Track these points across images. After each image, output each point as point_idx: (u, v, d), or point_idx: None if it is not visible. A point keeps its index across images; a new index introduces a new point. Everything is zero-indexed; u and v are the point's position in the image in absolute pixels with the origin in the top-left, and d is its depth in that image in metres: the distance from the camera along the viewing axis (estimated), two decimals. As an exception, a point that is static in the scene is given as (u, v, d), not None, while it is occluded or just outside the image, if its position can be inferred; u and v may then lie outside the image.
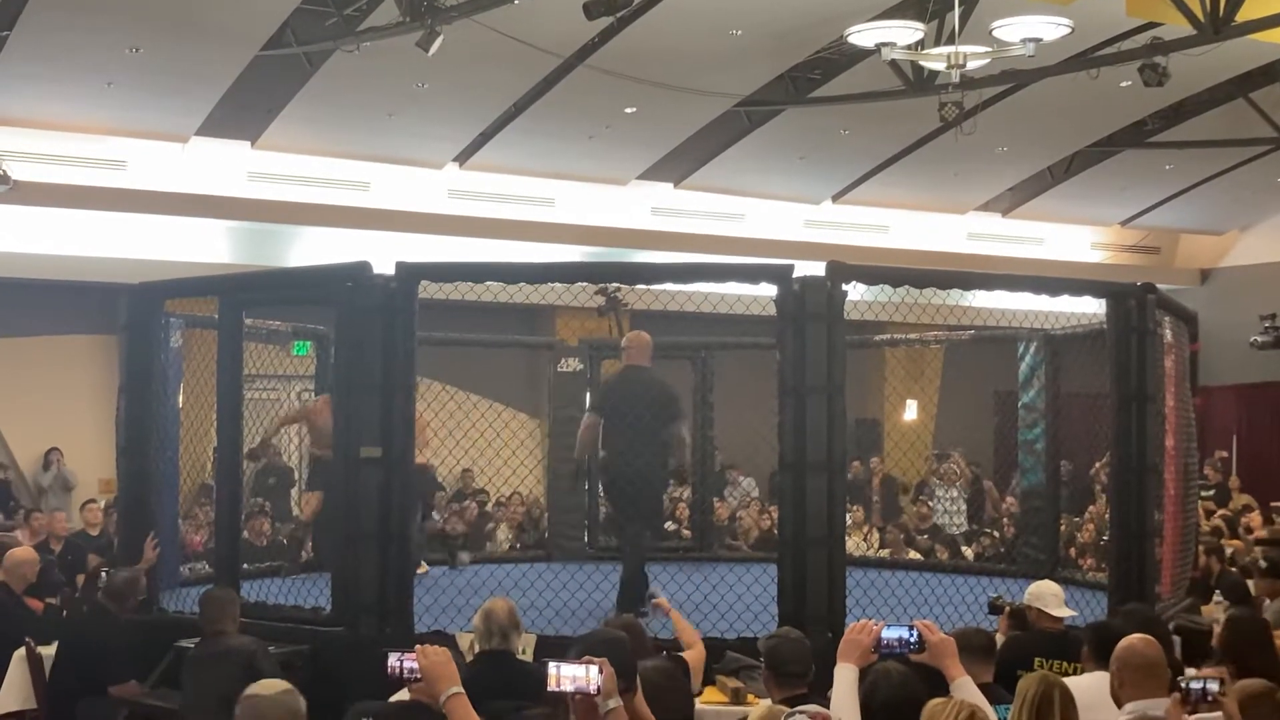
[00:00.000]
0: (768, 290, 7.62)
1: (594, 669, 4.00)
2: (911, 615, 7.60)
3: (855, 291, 7.73)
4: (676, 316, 13.11)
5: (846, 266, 7.56)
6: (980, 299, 16.69)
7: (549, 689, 4.03)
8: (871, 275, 7.85)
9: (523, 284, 8.65)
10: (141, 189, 15.31)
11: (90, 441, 16.20)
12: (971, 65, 11.41)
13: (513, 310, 14.97)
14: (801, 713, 3.90)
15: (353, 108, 15.31)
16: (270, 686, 4.24)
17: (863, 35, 11.00)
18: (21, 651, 8.29)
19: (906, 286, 7.98)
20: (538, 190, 17.66)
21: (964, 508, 15.64)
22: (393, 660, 4.41)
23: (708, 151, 17.60)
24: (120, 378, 9.13)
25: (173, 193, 15.46)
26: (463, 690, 4.14)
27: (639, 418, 8.56)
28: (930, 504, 14.87)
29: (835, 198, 19.26)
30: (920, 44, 11.39)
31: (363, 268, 7.82)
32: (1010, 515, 13.71)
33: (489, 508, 15.26)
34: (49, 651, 8.22)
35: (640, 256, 17.60)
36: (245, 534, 12.59)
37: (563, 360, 12.61)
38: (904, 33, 10.77)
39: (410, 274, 7.72)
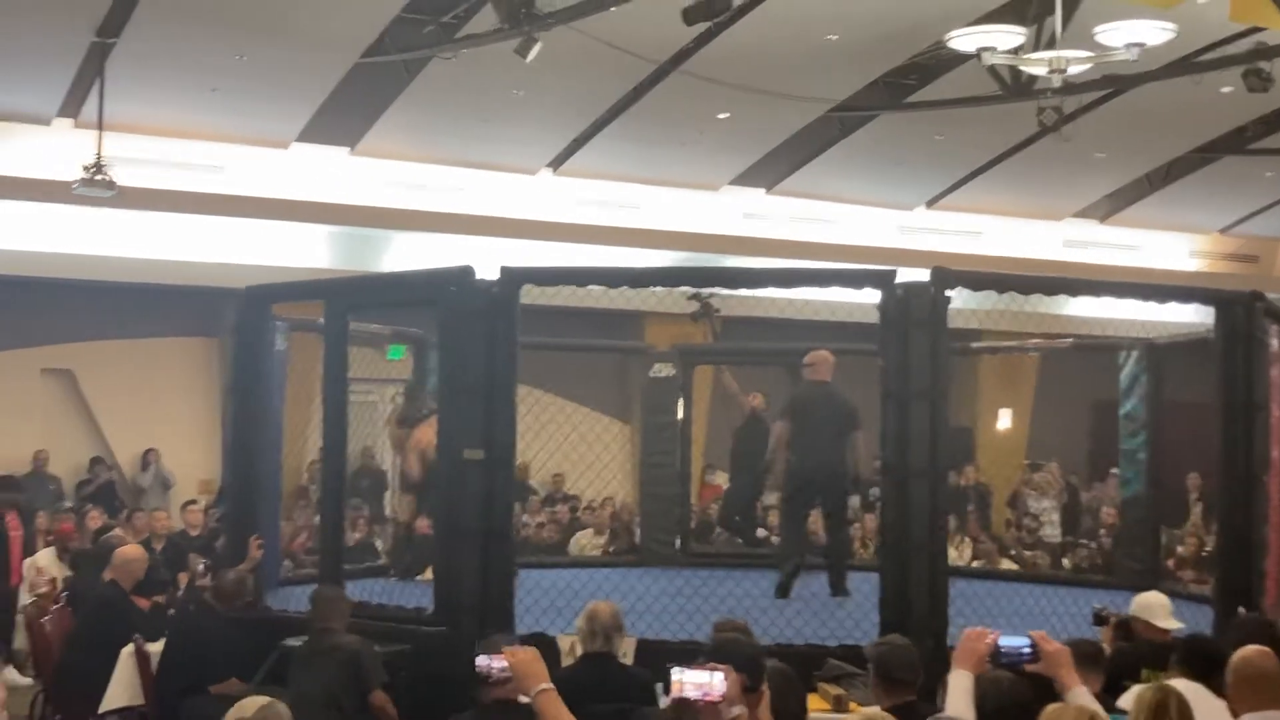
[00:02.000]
0: (864, 297, 7.63)
1: (718, 675, 3.99)
2: (1013, 625, 7.56)
3: (955, 298, 7.69)
4: (768, 323, 13.27)
5: (951, 272, 7.52)
6: (1078, 307, 16.69)
7: (673, 695, 4.02)
8: (976, 280, 7.79)
9: (610, 289, 8.69)
10: (242, 194, 15.54)
11: (188, 443, 16.52)
12: (1072, 70, 11.28)
13: (600, 315, 15.04)
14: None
15: (449, 114, 15.46)
16: (249, 706, 4.23)
17: (964, 40, 10.94)
18: (130, 648, 8.44)
19: (1007, 293, 7.92)
20: (629, 196, 17.72)
21: (1057, 518, 15.47)
22: (482, 661, 4.47)
23: (800, 157, 17.57)
24: (228, 380, 9.27)
25: (273, 198, 15.69)
26: (552, 686, 4.17)
27: (824, 427, 9.61)
28: (1035, 516, 14.70)
29: (929, 203, 19.14)
30: (1020, 48, 11.28)
31: (466, 272, 7.89)
32: (1109, 526, 13.53)
33: (580, 513, 15.34)
34: (156, 649, 8.37)
35: (731, 262, 17.56)
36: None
37: (655, 366, 12.61)
38: (1005, 37, 10.69)
39: (513, 278, 7.78)
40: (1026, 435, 19.50)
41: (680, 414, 12.40)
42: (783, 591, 9.52)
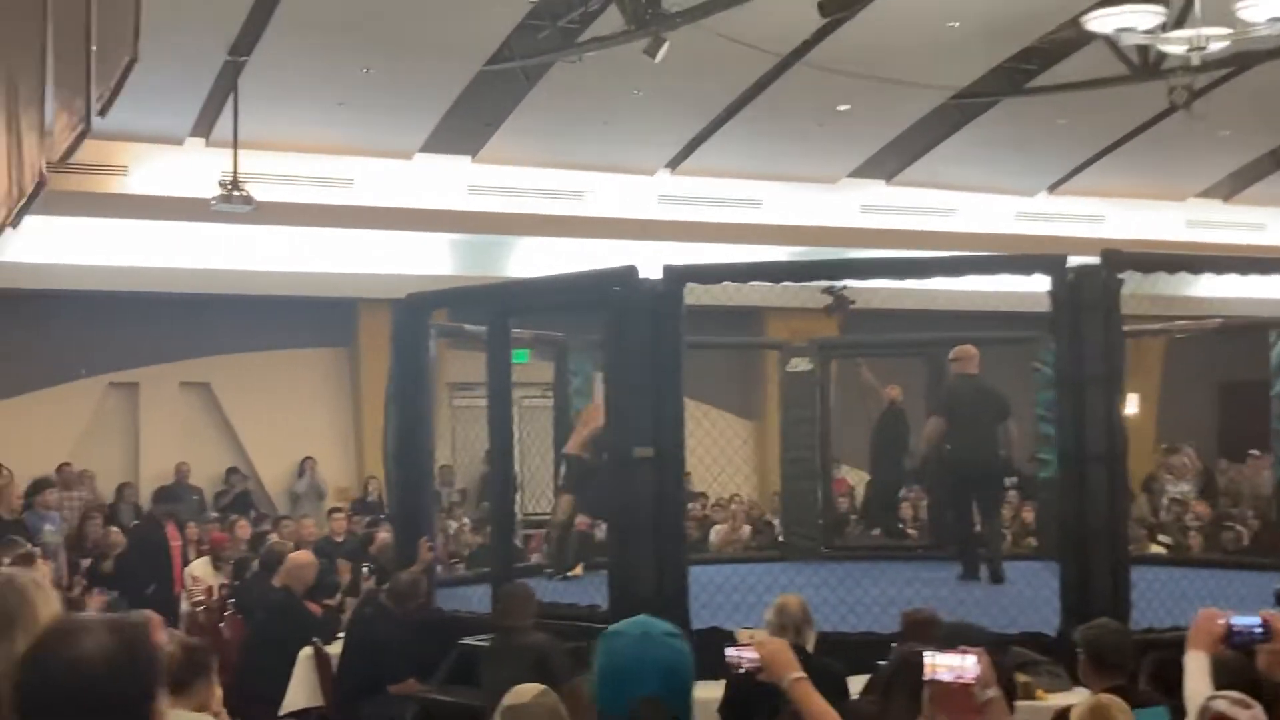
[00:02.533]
0: (999, 284, 7.64)
1: (971, 658, 3.98)
2: (1193, 608, 7.49)
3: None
4: (901, 315, 13.22)
5: (1123, 254, 7.47)
6: (1203, 287, 16.44)
7: (924, 678, 4.02)
8: (1146, 263, 7.71)
9: (736, 286, 8.74)
10: (368, 205, 15.76)
11: (324, 451, 16.79)
12: (1212, 48, 11.13)
13: (720, 313, 15.09)
14: (1223, 697, 3.83)
15: (569, 118, 15.56)
16: (525, 693, 4.29)
17: (1101, 21, 10.82)
18: (309, 650, 8.62)
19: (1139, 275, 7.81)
20: (747, 192, 17.72)
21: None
22: (731, 653, 4.48)
23: (920, 147, 17.48)
24: (389, 386, 9.41)
25: (397, 208, 15.89)
26: (805, 675, 4.18)
27: (979, 419, 9.95)
28: (1180, 500, 14.52)
29: (1051, 189, 18.95)
30: (1160, 28, 11.14)
31: (630, 272, 7.96)
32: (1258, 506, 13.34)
33: (707, 510, 15.36)
34: (333, 651, 8.54)
35: (850, 255, 17.52)
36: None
37: (792, 360, 12.62)
38: (1145, 17, 10.55)
39: (677, 276, 7.85)
40: (1155, 419, 19.23)
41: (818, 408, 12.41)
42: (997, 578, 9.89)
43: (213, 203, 13.85)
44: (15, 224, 9.62)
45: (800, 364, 12.53)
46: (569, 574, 10.91)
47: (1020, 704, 6.87)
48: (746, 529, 14.20)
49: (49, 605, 2.82)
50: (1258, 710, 3.73)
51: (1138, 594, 7.50)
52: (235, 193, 13.74)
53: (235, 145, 14.03)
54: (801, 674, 4.15)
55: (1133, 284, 7.89)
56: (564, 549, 10.50)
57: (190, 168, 14.96)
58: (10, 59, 8.82)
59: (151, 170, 15.05)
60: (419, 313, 9.13)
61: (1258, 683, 4.73)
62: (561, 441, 11.58)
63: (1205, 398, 20.31)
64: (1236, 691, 4.26)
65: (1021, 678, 7.04)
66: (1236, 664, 4.89)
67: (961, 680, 4.06)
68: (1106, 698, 4.70)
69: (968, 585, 9.59)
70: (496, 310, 8.52)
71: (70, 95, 7.70)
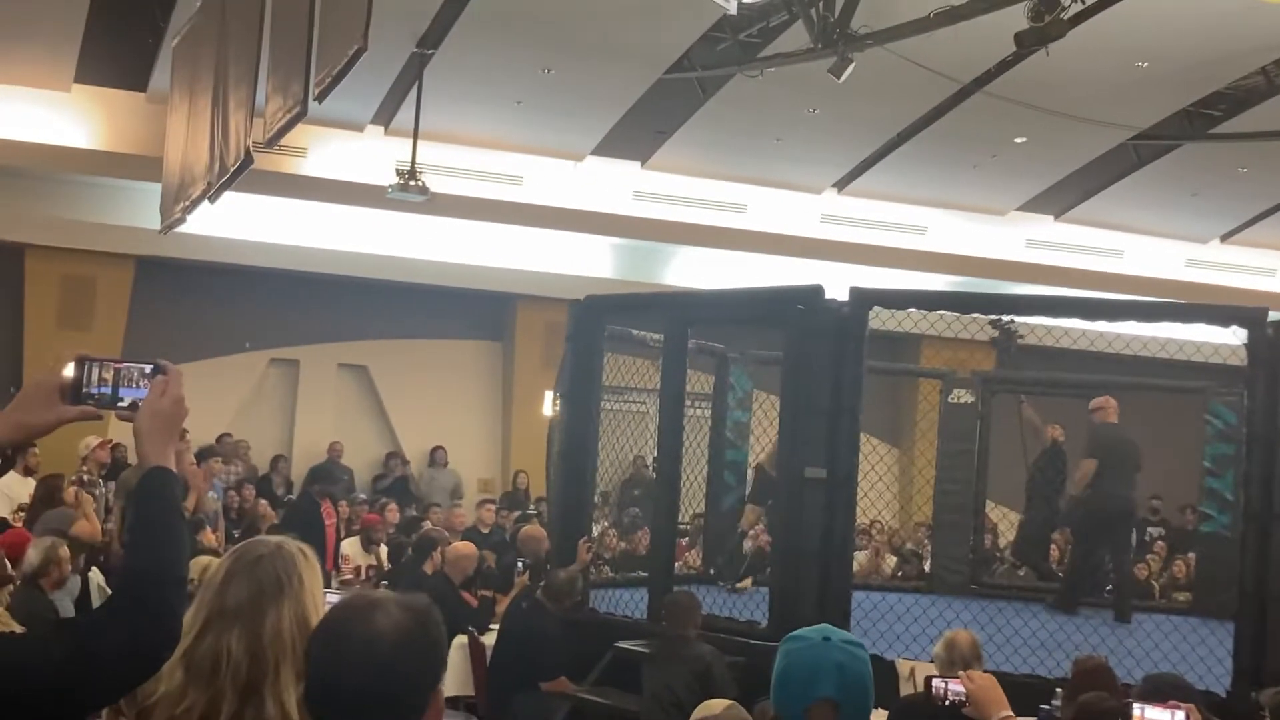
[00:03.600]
0: (1167, 331, 7.47)
1: (1180, 714, 3.92)
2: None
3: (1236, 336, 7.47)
4: (1064, 353, 13.01)
5: (1327, 312, 7.27)
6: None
7: None
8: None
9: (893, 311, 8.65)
10: (536, 204, 15.93)
11: (470, 441, 17.01)
12: None
13: (876, 337, 15.00)
14: None
15: (742, 131, 15.57)
16: (715, 706, 4.32)
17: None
18: (463, 639, 8.73)
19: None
20: (912, 218, 17.59)
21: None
22: (938, 684, 4.46)
23: (1093, 185, 17.22)
24: (562, 385, 9.50)
25: (564, 208, 16.04)
26: (1013, 715, 4.12)
27: (1125, 465, 10.54)
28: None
29: (1223, 238, 18.54)
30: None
31: (815, 292, 7.96)
32: None
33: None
34: (488, 641, 8.64)
35: (1012, 289, 17.32)
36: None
37: (954, 391, 12.51)
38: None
39: (864, 300, 7.83)
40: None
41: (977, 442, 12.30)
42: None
43: (389, 190, 14.10)
44: (214, 199, 9.96)
45: (962, 396, 12.43)
46: (737, 586, 10.97)
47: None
48: (891, 558, 14.06)
49: (315, 576, 2.89)
50: None
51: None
52: (412, 182, 13.97)
53: (415, 135, 14.27)
54: (1010, 713, 4.12)
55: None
56: (736, 560, 10.54)
57: (368, 154, 15.26)
58: (224, 40, 9.10)
59: (329, 154, 15.37)
60: (597, 314, 9.21)
61: None
62: (719, 452, 11.62)
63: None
64: None
65: (1190, 737, 6.91)
66: None
67: None
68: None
69: (1126, 634, 9.42)
70: (675, 319, 8.55)
71: (286, 78, 7.94)
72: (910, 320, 16.76)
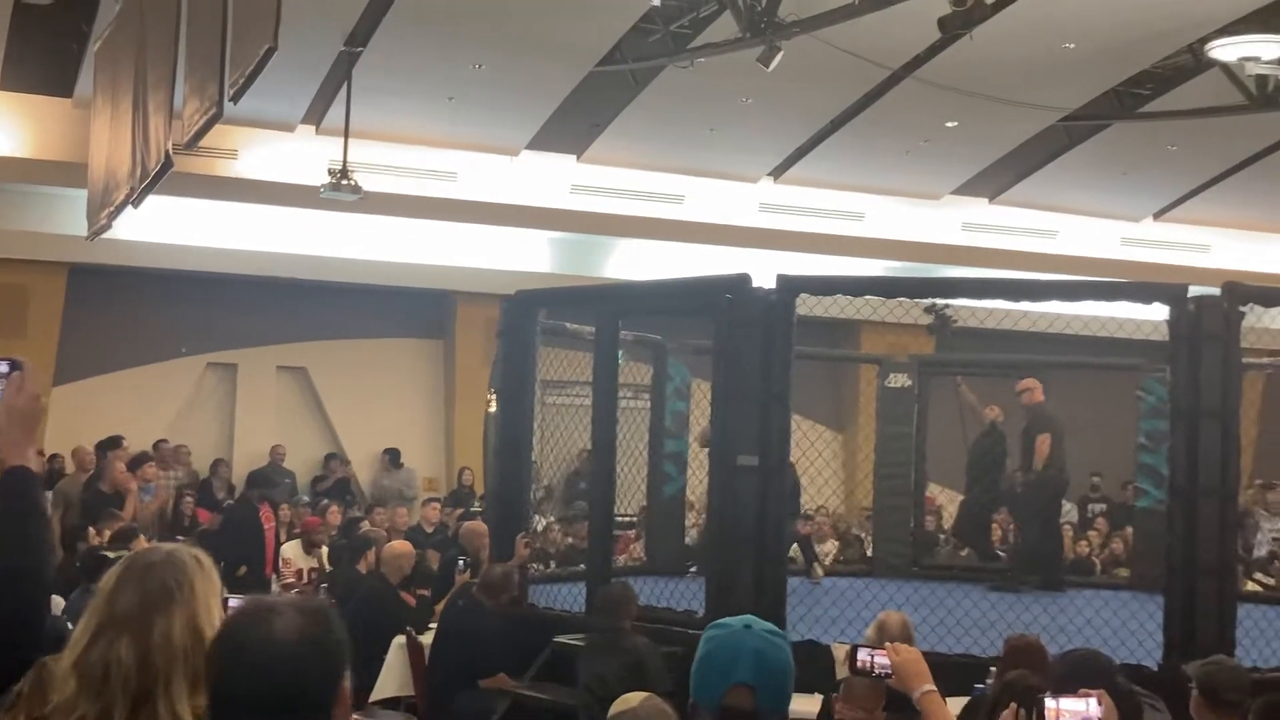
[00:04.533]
0: (1101, 310, 7.53)
1: (1093, 701, 3.92)
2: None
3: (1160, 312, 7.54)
4: (1005, 335, 13.10)
5: (1244, 287, 7.37)
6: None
7: None
8: (1270, 297, 7.59)
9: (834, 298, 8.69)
10: (472, 200, 15.88)
11: (414, 441, 16.93)
12: (1339, 79, 10.95)
13: (815, 324, 15.06)
14: None
15: (676, 122, 15.59)
16: (633, 699, 4.31)
17: (1225, 49, 10.67)
18: (401, 639, 8.70)
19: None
20: (849, 204, 17.67)
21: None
22: (863, 656, 4.47)
23: (1026, 167, 17.35)
24: (496, 381, 9.48)
25: (501, 204, 16.00)
26: (935, 689, 4.13)
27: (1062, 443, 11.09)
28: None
29: (1156, 215, 18.72)
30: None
31: (742, 280, 7.97)
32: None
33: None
34: (427, 640, 8.61)
35: (949, 273, 17.42)
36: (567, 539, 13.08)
37: (891, 375, 12.57)
38: (1271, 47, 10.40)
39: (790, 287, 7.84)
40: (1253, 454, 18.88)
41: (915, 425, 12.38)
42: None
43: (321, 190, 14.02)
44: (137, 204, 9.86)
45: (899, 380, 12.49)
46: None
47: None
48: (833, 543, 14.12)
49: (209, 583, 2.86)
50: None
51: (1245, 632, 7.40)
52: (344, 181, 13.89)
53: (346, 134, 14.19)
54: (932, 687, 4.12)
55: (1252, 318, 7.79)
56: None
57: (300, 154, 15.17)
58: (142, 44, 9.02)
59: (261, 155, 15.27)
60: (528, 309, 9.18)
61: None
62: (659, 443, 11.62)
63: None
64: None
65: (1122, 710, 6.98)
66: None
67: None
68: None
69: (1059, 611, 9.46)
70: (606, 311, 8.54)
71: (202, 80, 7.87)
72: (853, 306, 16.92)
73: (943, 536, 14.66)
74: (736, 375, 7.86)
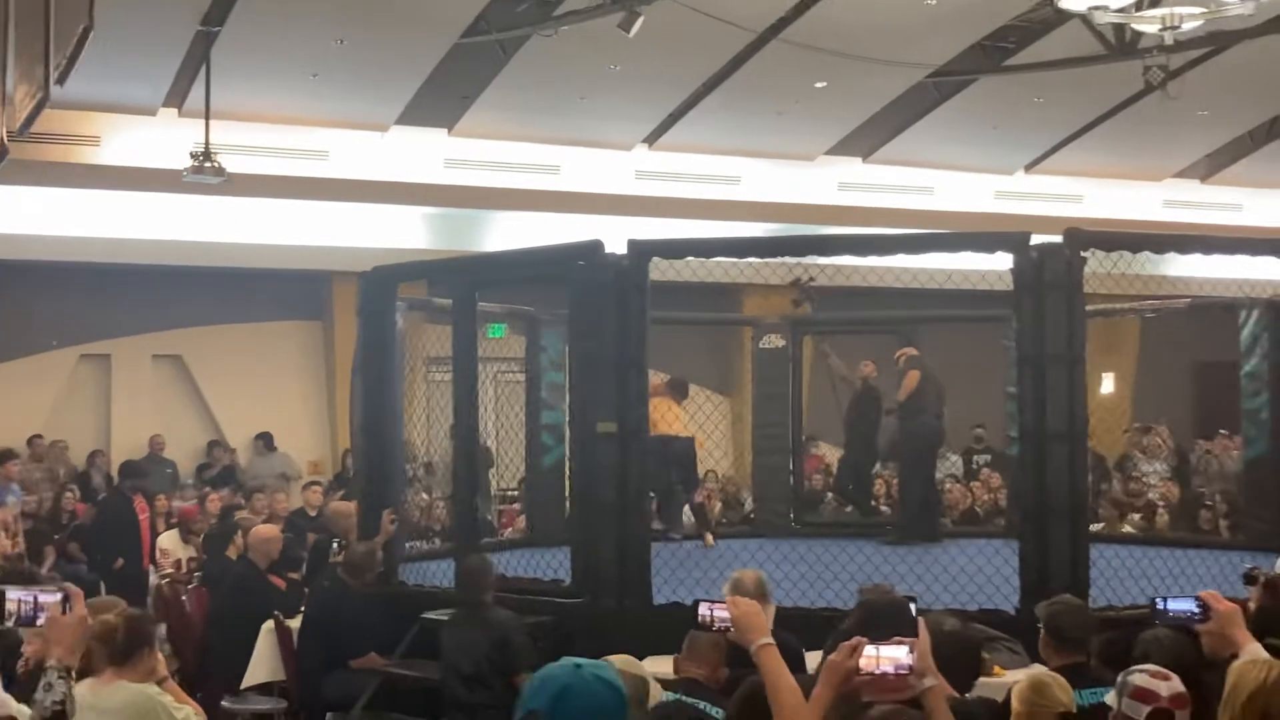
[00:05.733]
0: (969, 262, 7.61)
1: (905, 648, 3.95)
2: (1153, 588, 7.54)
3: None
4: (869, 293, 13.22)
5: (1085, 233, 7.46)
6: (1178, 267, 16.45)
7: (864, 671, 3.94)
8: (1110, 242, 7.70)
9: (717, 262, 8.71)
10: (344, 178, 15.69)
11: (298, 425, 16.75)
12: (1185, 27, 11.11)
13: (699, 289, 15.07)
14: (1142, 670, 3.82)
15: (546, 92, 15.50)
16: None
17: (1075, 0, 10.78)
18: (270, 624, 8.60)
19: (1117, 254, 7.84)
20: (724, 169, 17.70)
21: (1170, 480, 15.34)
22: (704, 610, 4.48)
23: (896, 124, 17.47)
24: (355, 359, 9.38)
25: (373, 181, 15.83)
26: (773, 642, 4.13)
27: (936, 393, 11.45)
28: (1142, 479, 14.60)
29: (1028, 168, 18.96)
30: (1131, 6, 11.12)
31: (594, 247, 7.93)
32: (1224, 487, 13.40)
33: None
34: (296, 625, 8.52)
35: (828, 233, 17.48)
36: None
37: (765, 337, 12.62)
38: (1118, -5, 10.53)
39: (641, 251, 7.82)
40: (1130, 399, 19.28)
41: (790, 385, 12.44)
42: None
43: (184, 174, 13.77)
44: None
45: (773, 341, 12.54)
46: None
47: (982, 680, 6.94)
48: (719, 506, 14.20)
49: None
50: (1175, 681, 3.73)
51: (1100, 572, 7.53)
52: (207, 164, 13.66)
53: (207, 116, 13.95)
54: (769, 640, 4.11)
55: (1109, 264, 7.91)
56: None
57: (163, 139, 14.88)
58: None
59: (124, 141, 14.97)
60: (384, 285, 9.09)
61: (1191, 664, 4.76)
62: (536, 414, 11.56)
63: (1182, 377, 20.34)
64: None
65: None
66: (1169, 642, 4.92)
67: (901, 672, 4.02)
68: (1046, 673, 4.70)
69: (932, 561, 9.57)
70: (462, 284, 8.48)
71: (30, 64, 7.63)
72: (737, 269, 16.94)
73: (830, 495, 14.78)
74: (593, 343, 7.84)
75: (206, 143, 13.82)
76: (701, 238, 8.82)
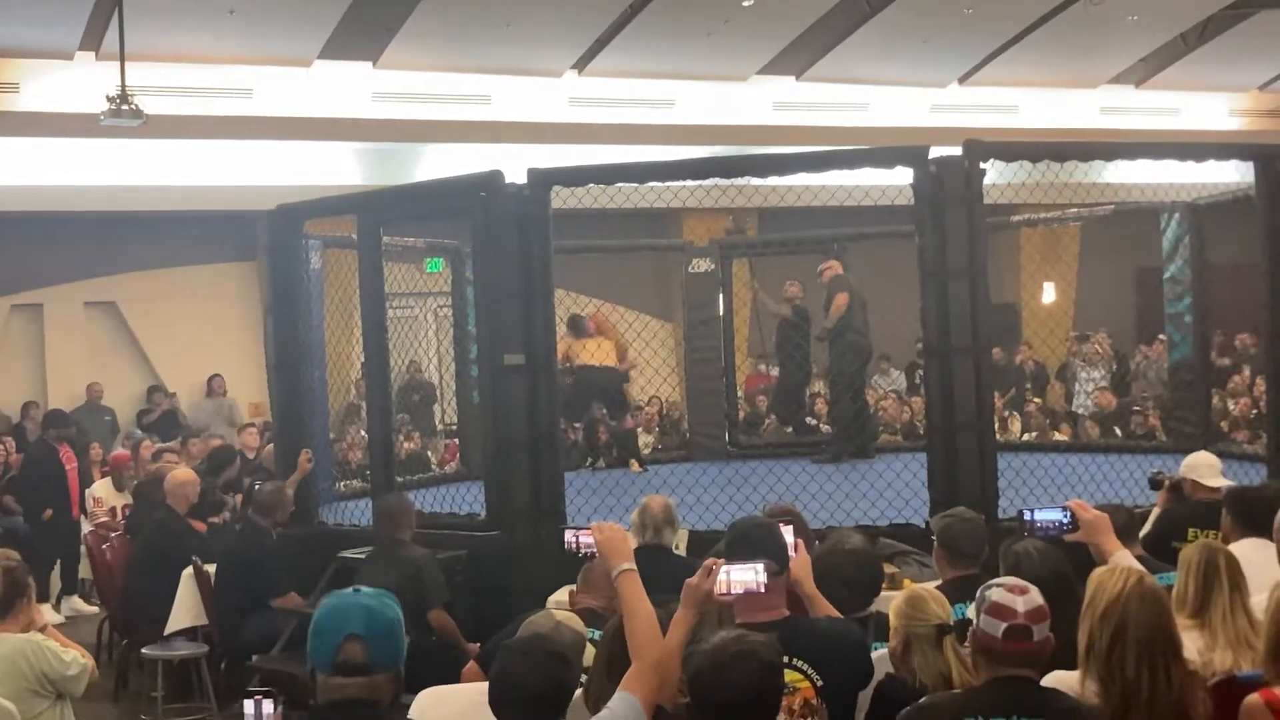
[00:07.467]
0: (901, 178, 7.55)
1: (759, 567, 4.01)
2: (1064, 495, 7.57)
3: (990, 173, 7.61)
4: (804, 212, 13.17)
5: (983, 144, 7.42)
6: (1118, 174, 16.44)
7: (718, 594, 4.00)
8: (1009, 152, 7.69)
9: (651, 187, 8.66)
10: (269, 115, 15.48)
11: (236, 366, 16.64)
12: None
13: (639, 216, 14.96)
14: (998, 585, 3.82)
15: (470, 20, 15.29)
16: (543, 623, 4.37)
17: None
18: (190, 570, 8.57)
19: (1045, 164, 7.83)
20: (658, 92, 17.53)
21: (1108, 387, 15.40)
22: (569, 536, 4.53)
23: (829, 41, 17.31)
24: (266, 298, 9.30)
25: (299, 117, 15.63)
26: (635, 567, 4.14)
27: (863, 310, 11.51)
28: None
29: (962, 80, 18.85)
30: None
31: (495, 177, 7.86)
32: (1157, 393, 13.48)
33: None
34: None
35: (763, 152, 17.41)
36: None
37: (694, 261, 12.58)
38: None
39: (542, 180, 7.75)
40: (1073, 306, 19.34)
41: (721, 308, 12.42)
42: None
43: (101, 117, 13.53)
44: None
45: (702, 265, 12.50)
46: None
47: (885, 594, 6.98)
48: (656, 431, 14.22)
49: None
50: (1034, 594, 3.74)
51: (1023, 482, 7.57)
52: (124, 106, 13.41)
53: (122, 57, 13.65)
54: (631, 565, 4.12)
55: (1042, 173, 7.89)
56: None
57: (82, 82, 14.60)
58: None
59: (43, 86, 14.73)
60: (291, 223, 9.00)
61: (1064, 574, 4.79)
62: (463, 349, 11.51)
63: (1124, 284, 20.40)
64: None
65: (889, 568, 7.10)
66: (1039, 555, 4.94)
67: (752, 592, 4.06)
68: (922, 588, 4.71)
69: (859, 478, 9.61)
70: (366, 219, 8.39)
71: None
72: (671, 193, 16.86)
73: (767, 416, 14.81)
74: (498, 274, 7.78)
75: (123, 85, 13.55)
76: (601, 164, 8.73)
